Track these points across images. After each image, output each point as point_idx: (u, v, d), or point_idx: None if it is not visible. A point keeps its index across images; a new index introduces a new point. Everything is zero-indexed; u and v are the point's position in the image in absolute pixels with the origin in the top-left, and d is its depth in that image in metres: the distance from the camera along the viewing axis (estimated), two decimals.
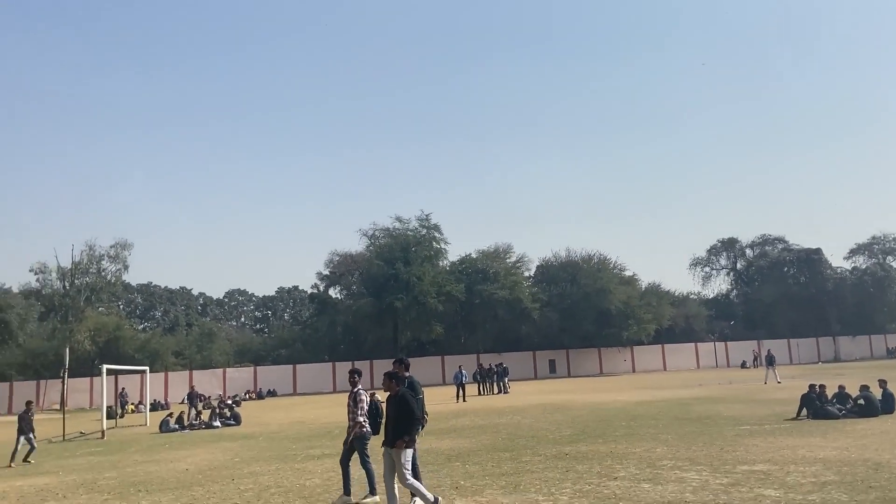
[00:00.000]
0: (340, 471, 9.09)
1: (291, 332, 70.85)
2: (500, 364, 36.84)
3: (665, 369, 55.44)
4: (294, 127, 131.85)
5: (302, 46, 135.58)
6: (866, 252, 68.09)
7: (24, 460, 15.97)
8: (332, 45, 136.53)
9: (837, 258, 68.76)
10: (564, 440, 14.19)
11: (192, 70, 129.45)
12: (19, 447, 16.04)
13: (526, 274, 59.25)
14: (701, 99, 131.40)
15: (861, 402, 16.09)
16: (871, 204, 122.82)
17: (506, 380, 35.57)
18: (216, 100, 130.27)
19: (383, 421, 8.44)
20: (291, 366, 53.50)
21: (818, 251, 66.61)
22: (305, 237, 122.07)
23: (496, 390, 34.92)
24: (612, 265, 57.25)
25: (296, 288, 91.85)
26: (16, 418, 16.94)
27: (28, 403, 17.63)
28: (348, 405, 9.19)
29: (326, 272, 61.92)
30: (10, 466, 15.40)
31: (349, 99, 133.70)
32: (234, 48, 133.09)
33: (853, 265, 68.40)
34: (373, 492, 8.92)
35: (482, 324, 55.49)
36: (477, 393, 33.99)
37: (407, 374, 8.72)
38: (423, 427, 8.84)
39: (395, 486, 7.71)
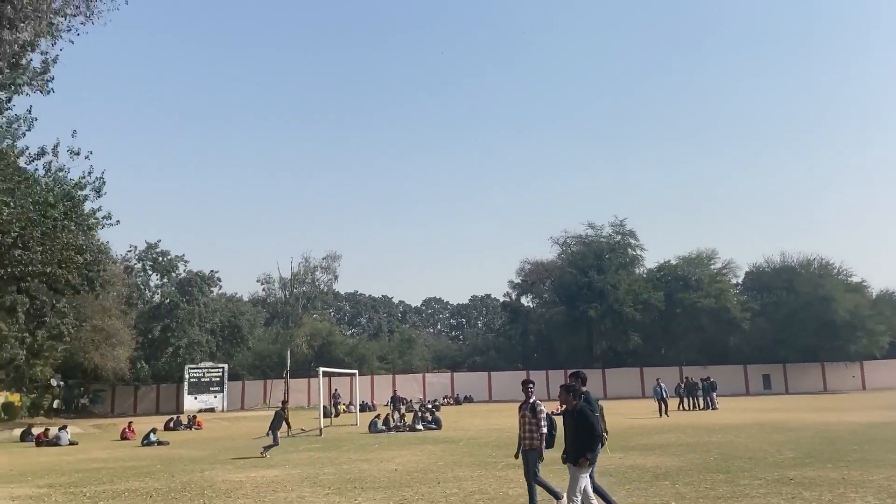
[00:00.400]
0: (527, 485, 8.83)
1: (485, 339, 72.29)
2: (708, 378, 34.53)
3: None
4: (483, 135, 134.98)
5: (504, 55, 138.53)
6: None
7: (261, 454, 17.51)
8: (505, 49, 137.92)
9: None
10: (787, 463, 12.89)
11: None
12: (279, 441, 17.93)
13: (733, 281, 55.31)
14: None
15: None
16: None
17: (713, 395, 33.26)
18: (408, 109, 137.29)
19: (556, 434, 8.25)
20: (487, 372, 54.50)
21: None
22: (497, 246, 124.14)
23: (703, 405, 32.80)
24: (835, 270, 51.51)
25: (488, 296, 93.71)
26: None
27: (283, 402, 20.24)
28: (524, 416, 8.88)
29: (518, 280, 62.42)
30: (264, 456, 17.10)
31: (537, 102, 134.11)
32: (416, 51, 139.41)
33: None
34: (557, 496, 8.70)
35: (684, 334, 52.55)
36: (677, 408, 32.14)
37: (584, 388, 8.42)
38: (603, 444, 8.54)
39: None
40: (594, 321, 50.26)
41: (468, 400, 50.01)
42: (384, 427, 24.85)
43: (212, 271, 52.68)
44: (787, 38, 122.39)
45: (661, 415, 27.82)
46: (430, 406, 32.89)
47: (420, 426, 24.93)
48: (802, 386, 49.53)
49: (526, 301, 63.86)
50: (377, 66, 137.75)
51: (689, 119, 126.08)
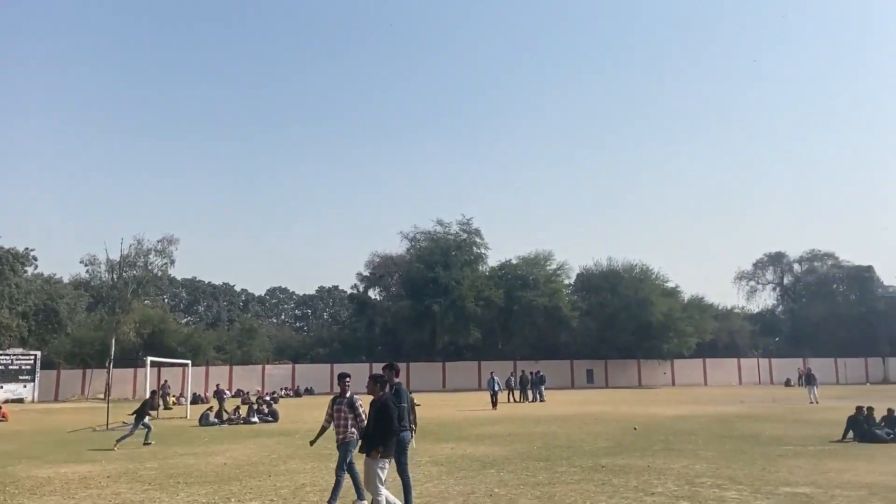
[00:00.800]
0: (335, 477, 8.78)
1: (330, 331, 71.64)
2: (538, 372, 36.57)
3: (706, 384, 54.32)
4: (336, 129, 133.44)
5: (336, 51, 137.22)
6: None
7: (145, 443, 16.93)
8: (376, 46, 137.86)
9: (890, 277, 66.24)
10: (601, 452, 14.02)
11: (235, 75, 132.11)
12: (136, 431, 17.08)
13: (566, 282, 58.84)
14: (749, 111, 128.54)
15: None
16: None
17: (542, 388, 35.29)
18: (261, 101, 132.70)
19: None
20: (329, 364, 54.08)
21: (869, 269, 64.60)
22: (346, 238, 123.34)
23: (531, 398, 34.70)
24: (654, 276, 56.43)
25: (336, 288, 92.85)
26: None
27: (153, 393, 20.18)
28: (339, 410, 8.84)
29: (366, 273, 62.46)
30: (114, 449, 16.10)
31: (391, 100, 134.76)
32: (276, 52, 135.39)
33: None
34: (360, 496, 8.65)
35: (520, 330, 55.23)
36: (507, 400, 33.84)
37: (396, 379, 8.52)
38: (413, 434, 8.64)
39: (383, 489, 7.47)
40: (438, 315, 51.44)
41: (309, 392, 49.32)
42: (216, 420, 23.92)
43: (26, 249, 47.91)
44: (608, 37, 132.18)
45: (493, 407, 29.12)
46: (267, 398, 32.06)
47: (255, 419, 24.27)
48: (621, 381, 53.84)
49: (373, 294, 64.08)
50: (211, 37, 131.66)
51: (536, 121, 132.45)
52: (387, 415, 7.45)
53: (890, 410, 16.71)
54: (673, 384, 54.29)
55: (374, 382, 7.86)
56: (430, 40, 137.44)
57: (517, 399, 34.60)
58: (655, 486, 10.06)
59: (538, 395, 34.85)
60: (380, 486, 7.38)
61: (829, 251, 68.28)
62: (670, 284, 57.32)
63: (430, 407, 30.03)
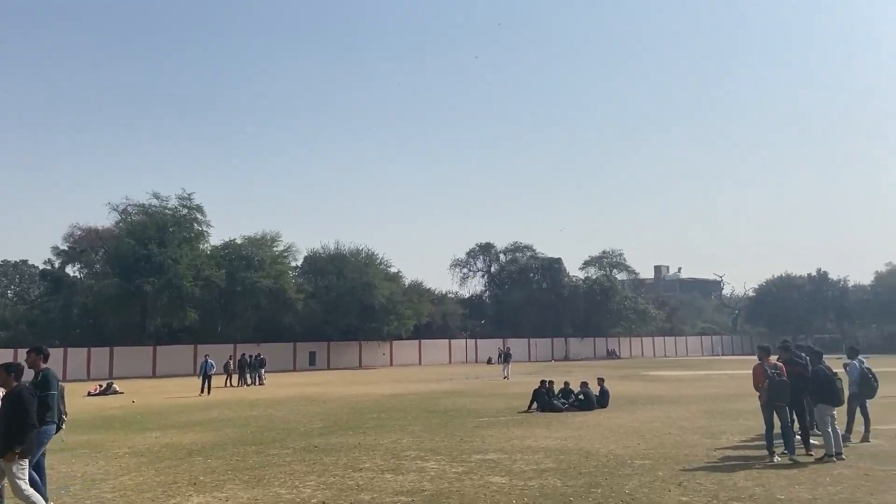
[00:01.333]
0: None
1: (14, 311, 61.97)
2: (258, 355, 35.73)
3: (421, 364, 57.92)
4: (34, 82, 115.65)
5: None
6: (597, 264, 77.30)
7: None
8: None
9: (574, 268, 76.87)
10: (315, 433, 14.18)
11: None
12: None
13: (293, 264, 58.21)
14: (463, 111, 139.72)
15: (581, 396, 18.22)
16: (603, 221, 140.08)
17: (262, 371, 34.58)
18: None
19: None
20: (13, 349, 46.85)
21: (559, 261, 74.20)
22: (39, 205, 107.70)
23: (250, 381, 33.80)
24: (378, 261, 58.42)
25: (24, 262, 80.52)
26: None
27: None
28: None
29: (64, 247, 55.27)
30: None
31: (106, 62, 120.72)
32: None
33: (586, 275, 77.30)
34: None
35: (243, 312, 53.36)
36: (224, 384, 32.60)
37: (44, 365, 7.67)
38: (59, 430, 7.75)
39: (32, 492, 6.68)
40: (150, 296, 47.42)
41: None
42: None
43: None
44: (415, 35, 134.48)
45: (202, 392, 27.52)
46: None
47: None
48: (342, 362, 55.04)
49: (72, 271, 56.87)
50: None
51: (274, 103, 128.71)
52: (22, 408, 6.56)
53: (566, 383, 19.43)
54: (391, 364, 56.95)
55: (7, 372, 6.82)
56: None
57: (235, 383, 33.43)
58: (364, 461, 10.47)
59: (257, 379, 34.07)
60: (27, 489, 6.50)
61: (528, 244, 77.03)
62: (393, 269, 59.95)
63: (135, 395, 27.71)
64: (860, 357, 11.74)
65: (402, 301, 55.65)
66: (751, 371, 10.56)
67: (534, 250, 76.30)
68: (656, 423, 14.61)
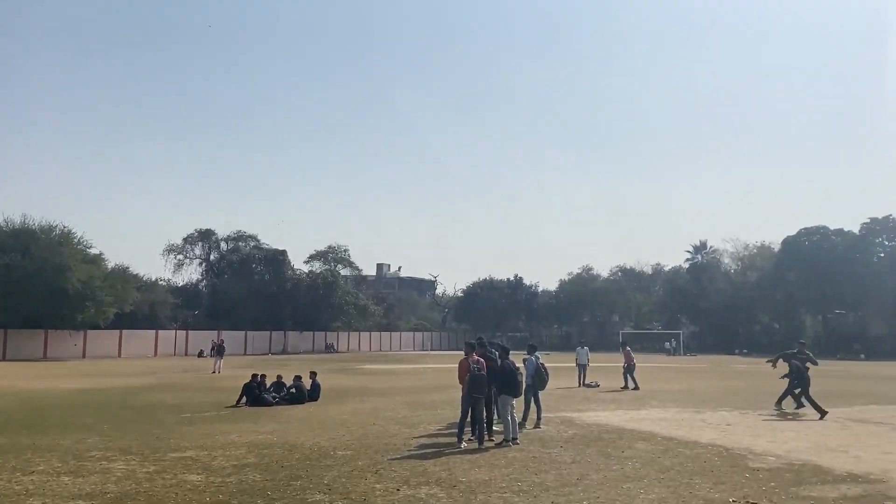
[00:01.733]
0: None
1: None
2: None
3: (120, 356, 52.77)
4: None
5: None
6: (322, 259, 77.80)
7: None
8: None
9: (299, 261, 76.33)
10: None
11: None
12: None
13: None
14: (195, 89, 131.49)
15: (293, 390, 18.19)
16: (330, 217, 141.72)
17: None
18: None
19: None
20: None
21: (283, 253, 73.17)
22: None
23: None
24: (76, 240, 51.90)
25: None
26: None
27: None
28: None
29: None
30: None
31: None
32: None
33: (310, 269, 77.35)
34: None
35: None
36: None
37: None
38: None
39: None
40: None
41: None
42: None
43: None
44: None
45: None
46: None
47: None
48: (24, 353, 47.88)
49: None
50: None
51: None
52: None
53: (279, 377, 19.23)
54: (84, 356, 51.01)
55: None
56: None
57: None
58: (38, 464, 9.29)
59: None
60: None
61: (252, 233, 74.64)
62: (94, 251, 53.74)
63: None
64: (536, 353, 13.48)
65: (103, 286, 50.10)
66: (457, 365, 11.56)
67: (258, 240, 74.30)
68: (363, 415, 15.16)
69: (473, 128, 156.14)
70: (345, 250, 78.58)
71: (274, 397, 17.86)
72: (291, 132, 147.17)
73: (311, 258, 77.23)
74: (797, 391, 16.22)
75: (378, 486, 8.11)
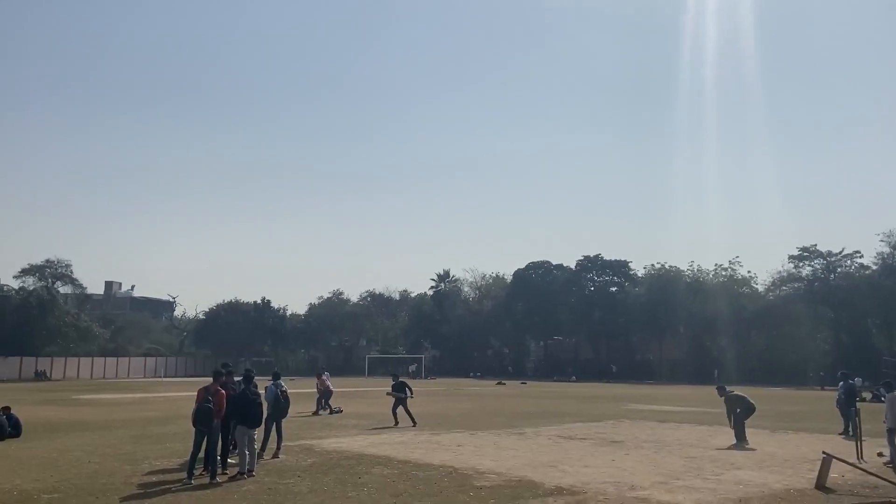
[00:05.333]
0: None
1: None
2: None
3: None
4: None
5: None
6: (38, 273, 68.31)
7: None
8: None
9: (8, 276, 66.23)
10: None
11: None
12: None
13: None
14: None
15: None
16: (50, 228, 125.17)
17: None
18: None
19: None
20: None
21: None
22: None
23: None
24: None
25: None
26: None
27: None
28: None
29: None
30: None
31: None
32: None
33: (21, 285, 67.49)
34: None
35: None
36: None
37: None
38: None
39: None
40: None
41: None
42: None
43: None
44: None
45: None
46: None
47: None
48: None
49: None
50: None
51: None
52: None
53: None
54: None
55: None
56: None
57: None
58: None
59: None
60: None
61: None
62: None
63: None
64: (279, 381, 13.20)
65: None
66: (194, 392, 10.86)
67: None
68: (77, 452, 13.51)
69: (227, 135, 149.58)
70: (66, 265, 70.10)
71: None
72: None
73: (24, 272, 67.60)
74: None
75: None
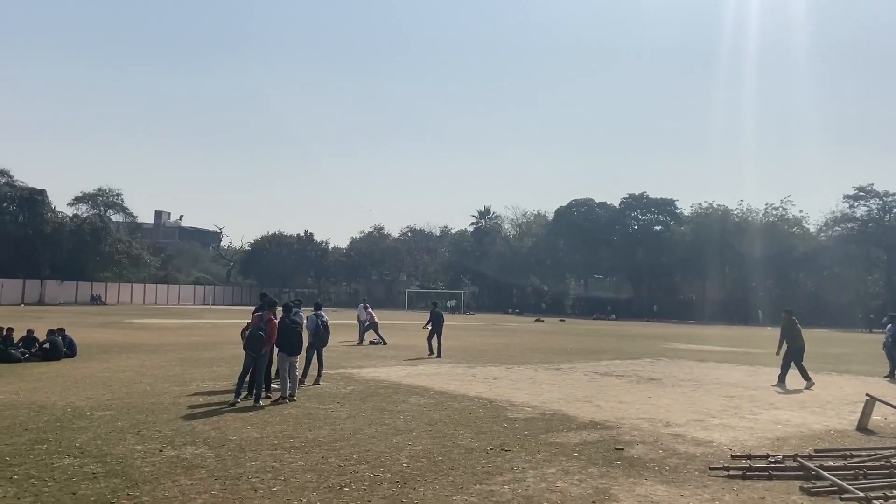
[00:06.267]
0: None
1: None
2: None
3: None
4: None
5: None
6: (90, 202, 70.16)
7: None
8: None
9: (62, 203, 68.08)
10: None
11: None
12: None
13: None
14: None
15: (46, 346, 16.39)
16: (103, 158, 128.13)
17: None
18: None
19: None
20: None
21: (42, 192, 64.83)
22: None
23: None
24: None
25: None
26: None
27: None
28: None
29: None
30: None
31: None
32: None
33: (75, 212, 69.54)
34: None
35: None
36: None
37: None
38: None
39: None
40: None
41: None
42: None
43: None
44: None
45: None
46: None
47: None
48: None
49: None
50: None
51: None
52: None
53: (30, 331, 17.14)
54: None
55: None
56: None
57: None
58: None
59: None
60: None
61: (5, 168, 65.04)
62: None
63: None
64: (320, 311, 13.46)
65: None
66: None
67: (11, 177, 65.05)
68: (128, 372, 14.12)
69: (271, 78, 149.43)
70: (117, 194, 71.78)
71: (23, 353, 15.99)
72: (56, 55, 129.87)
73: (77, 200, 69.58)
74: None
75: (139, 447, 7.63)
